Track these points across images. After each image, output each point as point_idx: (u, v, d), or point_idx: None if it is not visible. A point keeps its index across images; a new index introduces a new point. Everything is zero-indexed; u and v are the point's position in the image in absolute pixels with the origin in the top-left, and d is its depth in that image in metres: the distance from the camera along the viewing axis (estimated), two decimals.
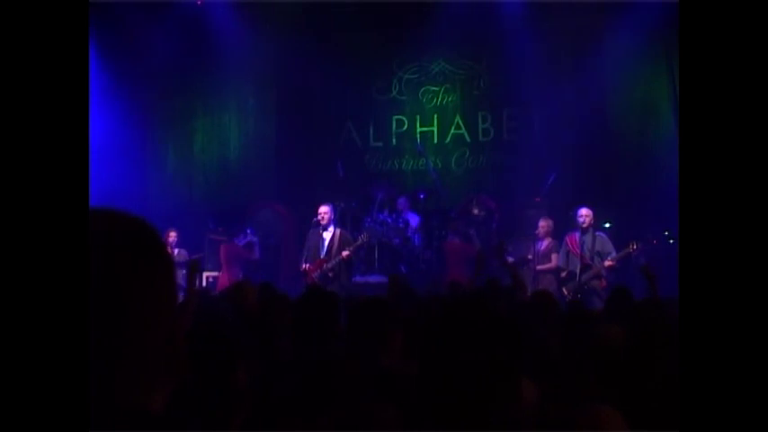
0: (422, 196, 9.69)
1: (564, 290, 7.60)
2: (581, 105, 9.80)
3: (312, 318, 3.12)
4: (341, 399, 2.01)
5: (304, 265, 7.79)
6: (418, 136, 10.69)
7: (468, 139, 10.67)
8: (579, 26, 9.63)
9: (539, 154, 9.96)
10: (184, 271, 7.22)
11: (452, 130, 10.72)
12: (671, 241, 8.30)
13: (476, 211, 9.02)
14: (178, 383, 0.97)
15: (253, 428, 2.03)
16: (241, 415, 2.09)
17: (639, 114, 9.94)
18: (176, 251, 8.65)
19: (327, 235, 7.79)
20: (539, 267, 8.01)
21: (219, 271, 9.11)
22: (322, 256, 7.71)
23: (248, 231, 9.44)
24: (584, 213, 7.70)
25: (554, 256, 7.97)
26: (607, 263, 7.53)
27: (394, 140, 10.91)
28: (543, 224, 8.16)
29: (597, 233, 7.73)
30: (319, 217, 7.82)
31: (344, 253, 7.62)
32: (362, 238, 7.93)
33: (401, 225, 9.10)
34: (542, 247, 8.11)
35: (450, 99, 10.78)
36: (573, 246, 7.70)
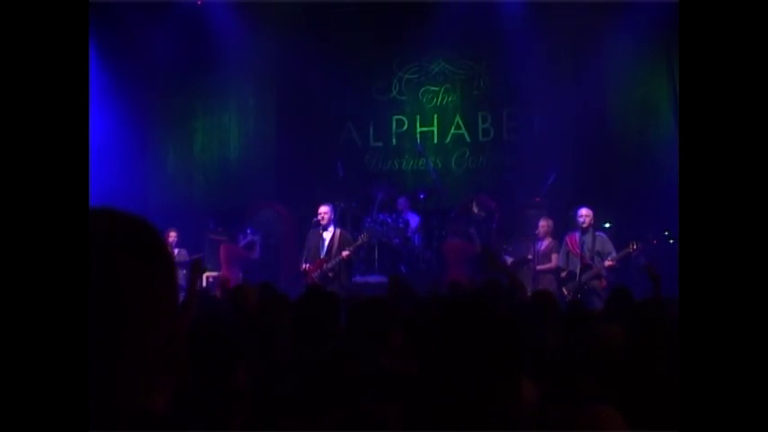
0: (422, 196, 9.69)
1: (564, 290, 7.60)
2: (581, 105, 9.80)
3: (312, 318, 3.13)
4: (341, 399, 2.01)
5: (304, 265, 7.79)
6: (418, 136, 10.69)
7: (468, 139, 10.66)
8: (579, 26, 9.63)
9: (539, 154, 9.95)
10: (184, 271, 7.23)
11: (452, 130, 10.71)
12: (671, 241, 8.29)
13: (476, 211, 9.02)
14: (178, 383, 0.97)
15: (253, 428, 2.03)
16: (241, 415, 2.09)
17: (639, 114, 9.94)
18: (176, 251, 8.66)
19: (327, 235, 7.79)
20: (539, 267, 8.01)
21: (219, 271, 9.11)
22: (322, 256, 7.71)
23: (248, 231, 9.45)
24: (584, 213, 7.70)
25: (554, 256, 7.97)
26: (607, 263, 7.52)
27: (394, 140, 10.91)
28: (543, 224, 8.16)
29: (597, 233, 7.73)
30: (319, 217, 7.82)
31: (344, 253, 7.62)
32: (362, 238, 7.92)
33: (401, 225, 9.10)
34: (542, 247, 8.10)
35: (450, 99, 10.77)
36: (573, 246, 7.70)
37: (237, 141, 11.27)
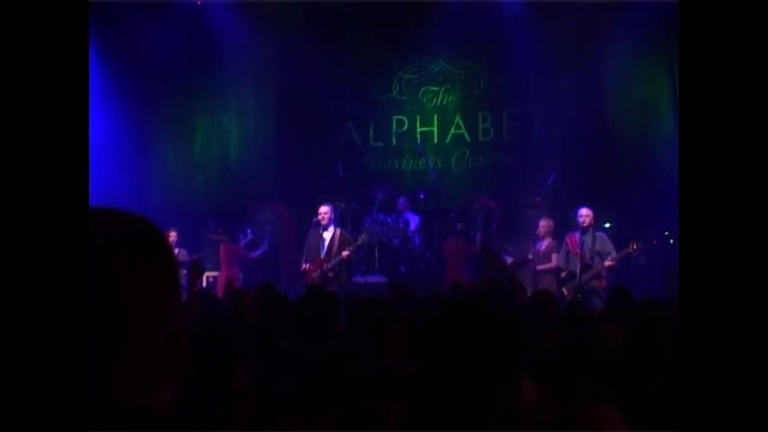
0: (422, 196, 9.69)
1: (564, 290, 7.60)
2: (581, 105, 9.80)
3: (312, 318, 3.12)
4: (341, 399, 2.01)
5: (304, 265, 7.79)
6: (418, 136, 10.69)
7: (468, 139, 10.66)
8: (579, 26, 9.62)
9: (539, 154, 9.96)
10: (185, 271, 7.23)
11: (452, 130, 10.71)
12: (671, 241, 8.29)
13: (476, 211, 9.03)
14: (179, 383, 0.97)
15: (253, 428, 2.03)
16: (241, 415, 2.09)
17: (639, 114, 9.93)
18: (176, 251, 8.66)
19: (327, 235, 7.79)
20: (539, 267, 8.01)
21: (219, 271, 9.12)
22: (322, 256, 7.71)
23: (248, 231, 9.45)
24: (584, 213, 7.70)
25: (554, 256, 7.97)
26: (607, 263, 7.52)
27: (394, 140, 10.91)
28: (543, 224, 8.16)
29: (597, 233, 7.73)
30: (319, 217, 7.82)
31: (344, 253, 7.62)
32: (362, 238, 7.92)
33: (401, 225, 9.10)
34: (542, 247, 8.10)
35: (450, 99, 10.77)
36: (573, 246, 7.70)
37: (237, 141, 11.27)
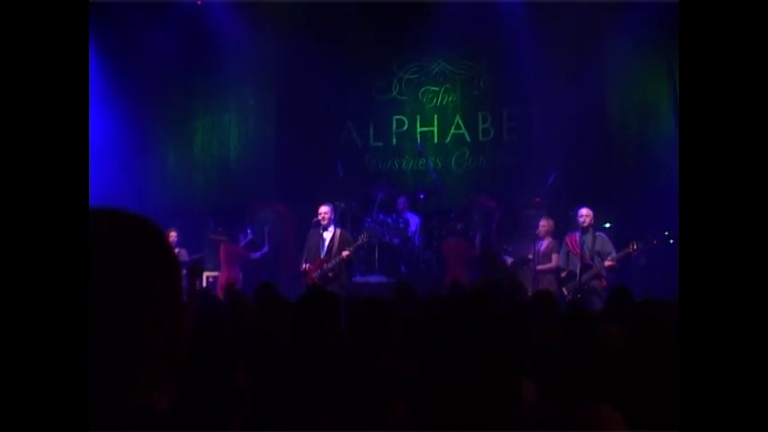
0: (422, 196, 9.70)
1: (564, 290, 7.60)
2: (581, 105, 9.80)
3: (312, 318, 3.12)
4: (341, 399, 2.01)
5: (304, 265, 7.79)
6: (418, 136, 10.69)
7: (468, 139, 10.67)
8: (579, 26, 9.62)
9: (539, 154, 9.96)
10: (185, 272, 7.23)
11: (452, 130, 10.72)
12: (671, 241, 8.29)
13: (476, 211, 9.03)
14: (179, 383, 0.97)
15: (253, 428, 2.03)
16: (241, 415, 2.09)
17: (639, 114, 9.94)
18: (176, 251, 8.66)
19: (327, 235, 7.79)
20: (539, 267, 8.01)
21: (219, 271, 9.12)
22: (322, 256, 7.71)
23: (248, 231, 9.46)
24: (585, 213, 7.70)
25: (554, 256, 7.97)
26: (607, 263, 7.52)
27: (394, 140, 10.91)
28: (543, 224, 8.16)
29: (597, 233, 7.73)
30: (319, 217, 7.82)
31: (344, 253, 7.62)
32: (362, 238, 7.92)
33: (401, 225, 9.11)
34: (542, 247, 8.10)
35: (450, 99, 10.78)
36: (573, 246, 7.70)
37: (237, 141, 11.27)
